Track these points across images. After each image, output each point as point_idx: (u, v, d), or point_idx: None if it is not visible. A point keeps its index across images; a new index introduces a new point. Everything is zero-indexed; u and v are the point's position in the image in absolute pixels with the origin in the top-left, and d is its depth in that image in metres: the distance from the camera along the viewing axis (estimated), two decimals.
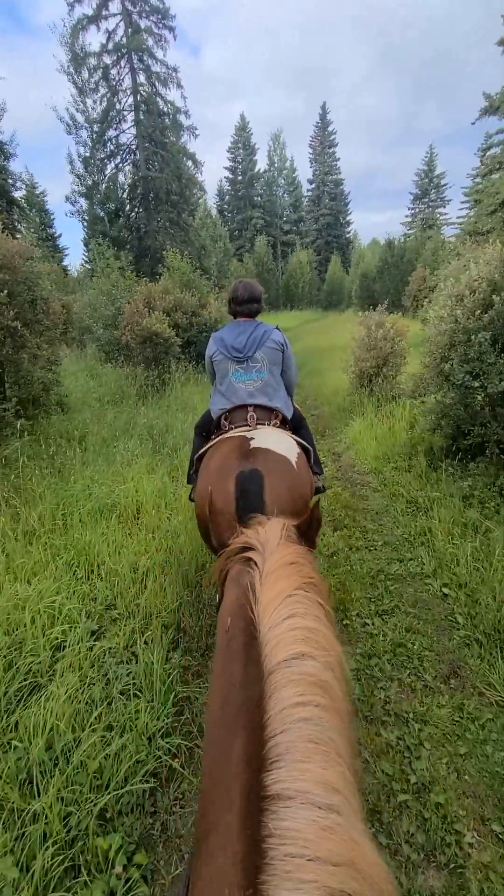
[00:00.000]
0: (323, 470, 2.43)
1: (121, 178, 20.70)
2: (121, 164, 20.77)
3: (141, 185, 20.43)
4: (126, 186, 20.99)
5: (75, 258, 52.26)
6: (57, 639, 2.24)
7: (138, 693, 2.01)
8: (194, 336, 9.59)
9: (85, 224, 19.75)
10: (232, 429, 1.99)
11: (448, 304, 4.06)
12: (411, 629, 2.59)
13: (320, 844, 0.39)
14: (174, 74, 20.36)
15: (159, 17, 20.33)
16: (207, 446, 1.99)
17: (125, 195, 21.12)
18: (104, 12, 19.52)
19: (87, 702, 1.91)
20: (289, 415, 2.14)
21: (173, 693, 2.10)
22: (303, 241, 49.86)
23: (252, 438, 1.80)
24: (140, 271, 16.95)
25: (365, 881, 0.39)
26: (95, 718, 1.82)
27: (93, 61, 19.25)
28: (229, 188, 47.19)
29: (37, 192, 29.44)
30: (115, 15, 19.93)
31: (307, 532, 0.96)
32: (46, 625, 2.30)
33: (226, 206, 47.02)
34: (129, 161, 20.99)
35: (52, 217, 30.91)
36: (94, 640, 2.30)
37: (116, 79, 20.03)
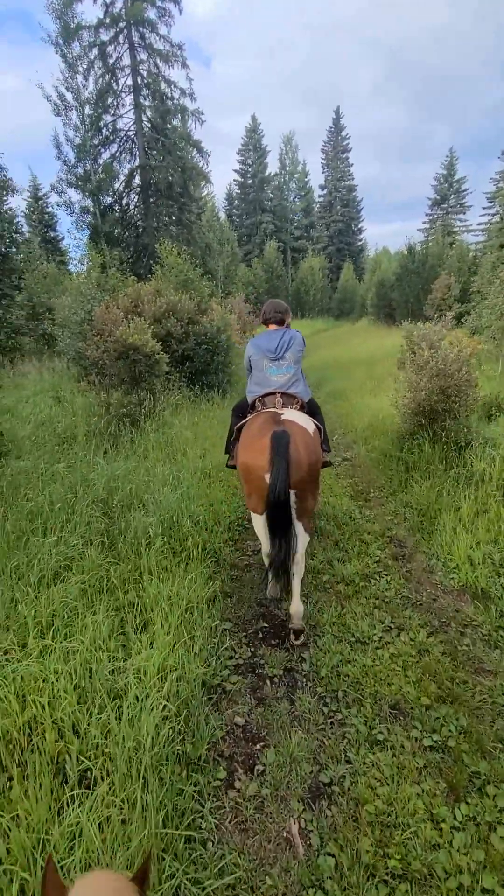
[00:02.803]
0: (330, 448, 3.21)
1: (116, 167, 18.48)
2: (117, 153, 18.65)
3: (139, 175, 18.44)
4: (122, 177, 18.92)
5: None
6: None
7: None
8: (190, 349, 7.57)
9: (73, 218, 17.53)
10: (264, 409, 2.70)
11: None
12: None
13: None
14: (179, 52, 18.16)
15: None
16: (247, 419, 2.76)
17: (121, 186, 19.05)
18: None
19: None
20: (307, 399, 2.89)
21: None
22: (314, 247, 47.96)
23: (282, 413, 2.55)
24: (137, 273, 15.04)
25: None
26: None
27: (87, 35, 17.04)
28: (239, 192, 45.44)
29: (40, 192, 27.54)
30: None
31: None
32: None
33: (235, 211, 45.28)
34: (125, 148, 18.88)
35: (55, 219, 28.94)
36: None
37: (114, 56, 17.90)
